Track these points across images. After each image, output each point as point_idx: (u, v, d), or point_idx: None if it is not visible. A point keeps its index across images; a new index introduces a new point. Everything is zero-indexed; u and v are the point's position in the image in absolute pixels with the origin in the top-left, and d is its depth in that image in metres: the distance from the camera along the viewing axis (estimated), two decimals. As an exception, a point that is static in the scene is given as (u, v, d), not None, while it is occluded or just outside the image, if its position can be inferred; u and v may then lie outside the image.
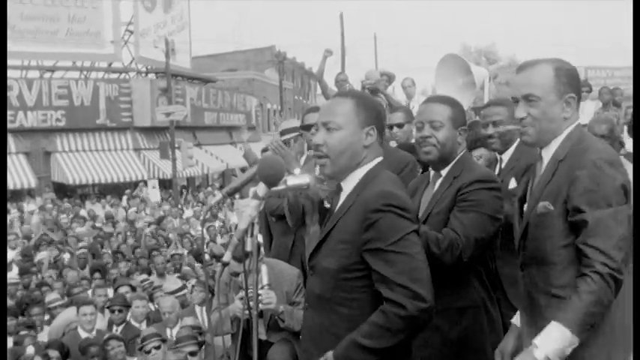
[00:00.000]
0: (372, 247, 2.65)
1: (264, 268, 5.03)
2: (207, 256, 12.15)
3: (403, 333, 2.60)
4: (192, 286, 8.82)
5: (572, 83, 2.95)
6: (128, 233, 16.26)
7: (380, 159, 2.90)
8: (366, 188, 2.77)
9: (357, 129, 2.85)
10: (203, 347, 6.63)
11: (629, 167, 5.29)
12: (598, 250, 2.65)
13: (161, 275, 10.80)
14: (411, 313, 2.56)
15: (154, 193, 23.87)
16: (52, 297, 9.33)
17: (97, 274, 10.94)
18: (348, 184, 2.87)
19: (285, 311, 5.02)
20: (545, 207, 2.88)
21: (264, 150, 7.72)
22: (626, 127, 8.46)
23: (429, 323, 2.66)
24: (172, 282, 9.90)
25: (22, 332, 7.98)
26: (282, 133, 5.97)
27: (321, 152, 2.91)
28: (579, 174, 2.76)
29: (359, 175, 2.85)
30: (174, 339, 6.97)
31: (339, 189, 2.92)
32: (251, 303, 2.94)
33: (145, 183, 28.03)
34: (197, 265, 11.76)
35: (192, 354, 6.35)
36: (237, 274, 5.17)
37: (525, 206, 3.07)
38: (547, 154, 2.98)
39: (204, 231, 14.02)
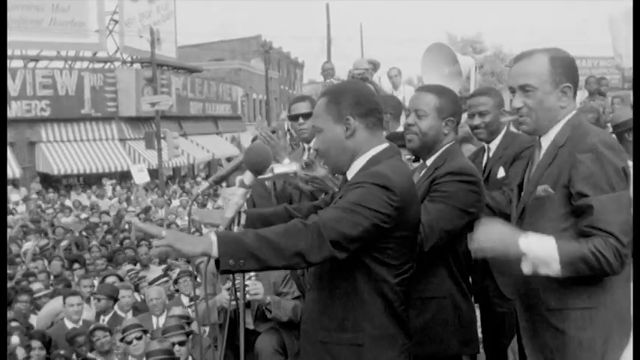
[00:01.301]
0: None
1: None
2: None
3: (290, 238, 2.51)
4: (176, 277, 8.79)
5: (568, 73, 2.96)
6: (112, 224, 16.21)
7: (385, 146, 2.88)
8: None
9: (332, 125, 2.86)
10: (190, 337, 6.61)
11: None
12: (605, 232, 2.68)
13: (145, 266, 10.75)
14: (300, 228, 2.52)
15: (140, 177, 23.51)
16: (36, 287, 9.28)
17: (76, 265, 10.87)
18: (351, 174, 2.88)
19: (272, 302, 5.02)
20: (544, 190, 2.89)
21: (255, 139, 7.65)
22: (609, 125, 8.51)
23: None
24: (157, 272, 9.92)
25: (14, 324, 7.94)
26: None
27: (319, 155, 3.00)
28: (581, 158, 2.79)
29: (360, 164, 2.86)
30: (161, 328, 6.96)
31: (345, 180, 2.93)
32: (238, 293, 2.94)
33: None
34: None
35: (181, 344, 6.32)
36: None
37: (522, 193, 3.09)
38: (546, 141, 3.01)
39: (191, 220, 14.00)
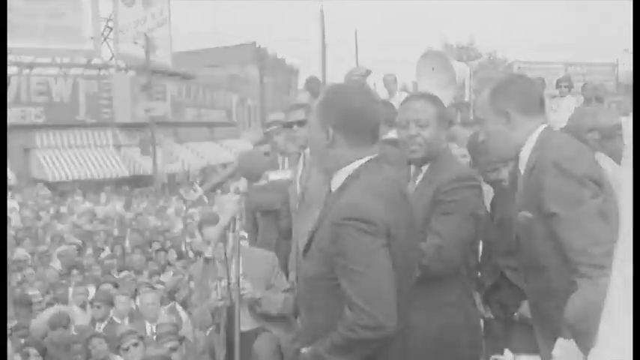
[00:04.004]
0: (337, 261, 2.55)
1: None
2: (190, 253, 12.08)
3: (359, 349, 2.53)
4: (172, 287, 8.77)
5: (510, 99, 3.07)
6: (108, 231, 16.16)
7: (367, 158, 2.67)
8: (342, 194, 2.66)
9: (318, 129, 2.72)
10: (183, 343, 6.62)
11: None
12: (578, 251, 2.70)
13: (138, 272, 10.72)
14: (361, 337, 2.49)
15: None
16: (31, 293, 9.23)
17: (74, 271, 10.84)
18: (334, 186, 2.75)
19: (262, 297, 5.06)
20: (524, 217, 2.93)
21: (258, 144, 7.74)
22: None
23: (390, 338, 2.56)
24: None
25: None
26: (268, 125, 6.03)
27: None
28: (542, 178, 2.82)
29: (340, 181, 2.71)
30: (154, 335, 6.96)
31: (330, 190, 2.81)
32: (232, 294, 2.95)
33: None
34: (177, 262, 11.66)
35: (173, 349, 6.34)
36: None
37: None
38: (522, 163, 3.05)
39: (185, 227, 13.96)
